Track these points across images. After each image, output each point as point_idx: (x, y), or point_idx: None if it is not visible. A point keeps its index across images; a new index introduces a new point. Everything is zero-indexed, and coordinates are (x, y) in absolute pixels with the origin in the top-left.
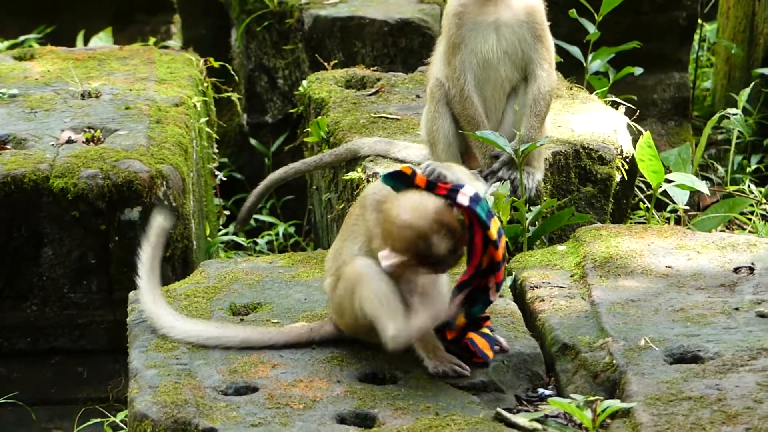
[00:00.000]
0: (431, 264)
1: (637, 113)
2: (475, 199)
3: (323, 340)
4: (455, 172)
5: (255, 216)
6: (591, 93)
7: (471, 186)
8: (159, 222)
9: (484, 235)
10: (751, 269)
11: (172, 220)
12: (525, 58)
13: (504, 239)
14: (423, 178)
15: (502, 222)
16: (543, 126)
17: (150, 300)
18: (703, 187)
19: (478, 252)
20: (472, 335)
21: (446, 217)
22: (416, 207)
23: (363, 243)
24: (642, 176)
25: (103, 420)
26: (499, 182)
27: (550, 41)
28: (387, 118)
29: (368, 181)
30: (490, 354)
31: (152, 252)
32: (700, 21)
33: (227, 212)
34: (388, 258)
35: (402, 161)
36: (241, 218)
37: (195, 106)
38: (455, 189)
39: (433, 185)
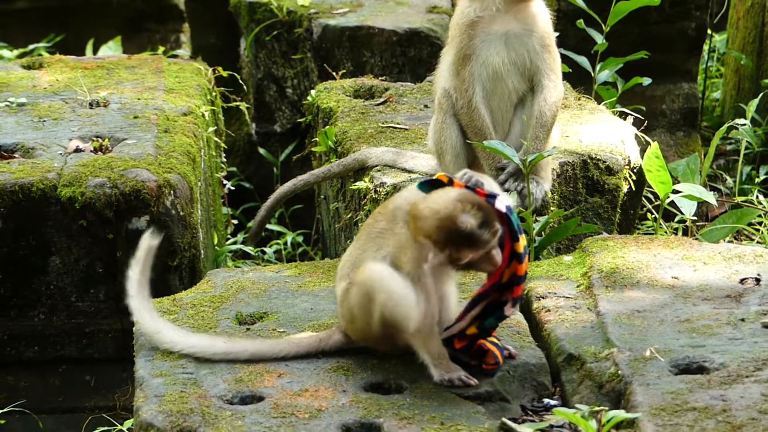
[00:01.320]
0: (470, 245)
1: (646, 124)
2: (510, 210)
3: (333, 349)
4: (490, 183)
5: None
6: (599, 103)
7: (506, 198)
8: (147, 240)
9: (511, 247)
10: (758, 280)
11: (160, 237)
12: (532, 68)
13: (527, 257)
14: (461, 184)
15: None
16: (549, 136)
17: (147, 318)
18: (710, 197)
19: (501, 265)
20: (483, 341)
21: (470, 197)
22: (439, 196)
23: (389, 255)
24: (650, 187)
25: (109, 429)
26: (506, 193)
27: (556, 51)
28: (395, 127)
29: (375, 191)
30: (500, 359)
31: (141, 270)
32: (709, 31)
33: (235, 221)
34: (431, 259)
35: (410, 171)
36: (253, 233)
37: (203, 115)
38: (492, 196)
39: (471, 190)
